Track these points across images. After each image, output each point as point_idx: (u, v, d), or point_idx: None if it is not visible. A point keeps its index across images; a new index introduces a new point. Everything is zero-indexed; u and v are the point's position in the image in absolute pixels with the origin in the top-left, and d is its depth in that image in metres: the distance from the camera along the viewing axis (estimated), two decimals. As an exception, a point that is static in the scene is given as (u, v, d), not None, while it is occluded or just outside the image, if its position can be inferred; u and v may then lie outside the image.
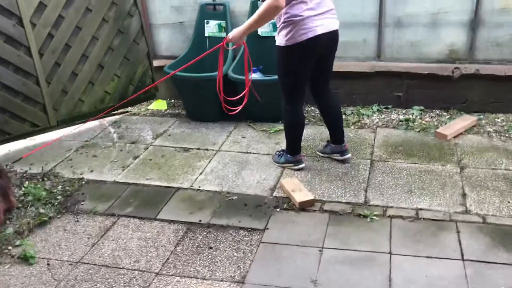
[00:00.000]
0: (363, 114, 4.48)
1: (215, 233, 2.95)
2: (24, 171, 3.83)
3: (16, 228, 3.06)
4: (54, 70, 4.35)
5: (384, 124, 4.30)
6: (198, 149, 4.06)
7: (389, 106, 4.58)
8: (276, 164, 3.68)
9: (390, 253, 2.68)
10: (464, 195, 3.18)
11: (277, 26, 3.16)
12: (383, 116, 4.46)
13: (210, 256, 2.75)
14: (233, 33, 3.23)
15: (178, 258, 2.75)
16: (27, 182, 3.62)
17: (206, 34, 4.79)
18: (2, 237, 2.95)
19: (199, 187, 3.47)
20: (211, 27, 4.75)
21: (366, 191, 3.28)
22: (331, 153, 3.69)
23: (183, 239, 2.92)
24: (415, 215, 2.99)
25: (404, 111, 4.51)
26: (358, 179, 3.43)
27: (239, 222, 3.04)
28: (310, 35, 3.06)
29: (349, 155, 3.64)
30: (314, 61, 3.26)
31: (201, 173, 3.66)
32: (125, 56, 4.80)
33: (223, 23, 4.70)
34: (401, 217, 2.98)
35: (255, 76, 4.43)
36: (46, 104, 4.37)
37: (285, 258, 2.69)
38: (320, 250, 2.74)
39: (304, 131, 3.79)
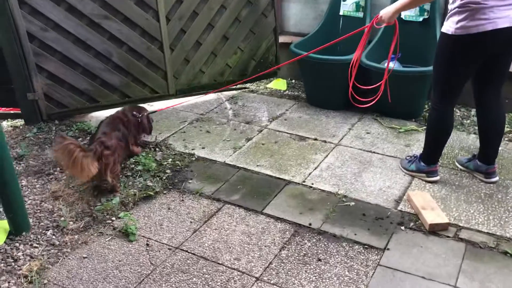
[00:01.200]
0: (516, 124, 3.76)
1: (325, 243, 2.60)
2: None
3: (122, 199, 2.98)
4: (178, 37, 4.24)
5: (542, 140, 3.56)
6: (315, 139, 3.70)
7: (551, 119, 3.80)
8: (404, 171, 3.19)
9: (546, 313, 2.12)
10: None
11: (449, 10, 2.62)
12: (541, 129, 3.70)
13: (318, 270, 2.41)
14: (385, 11, 2.79)
15: (282, 264, 2.45)
16: (139, 150, 3.56)
17: (340, 13, 4.34)
18: (108, 206, 2.88)
19: (312, 184, 3.12)
20: (348, 6, 4.28)
21: (515, 223, 2.69)
22: (473, 170, 3.11)
23: (290, 242, 2.61)
24: None
25: None
26: (506, 205, 2.83)
27: (355, 234, 2.65)
28: (488, 27, 2.50)
29: (495, 179, 3.03)
30: (482, 59, 2.69)
31: (315, 168, 3.30)
32: (251, 29, 4.54)
33: (362, 1, 4.20)
34: (563, 266, 2.37)
35: (391, 65, 3.90)
36: (168, 71, 4.29)
37: (407, 291, 2.26)
38: (451, 290, 2.26)
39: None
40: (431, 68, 3.62)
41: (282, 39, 4.70)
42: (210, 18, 4.29)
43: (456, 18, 2.55)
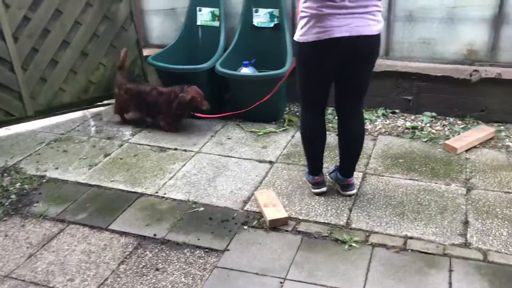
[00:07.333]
0: (365, 119, 3.98)
1: (167, 251, 2.57)
2: (-12, 164, 3.55)
3: (-46, 231, 2.77)
4: (31, 56, 4.04)
5: (387, 131, 3.80)
6: (176, 149, 3.68)
7: (397, 111, 4.08)
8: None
9: (363, 292, 2.24)
10: (466, 222, 2.69)
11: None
12: (388, 121, 3.96)
13: (153, 280, 2.37)
14: None
15: (118, 280, 2.38)
16: (-16, 177, 3.34)
17: (198, 23, 4.38)
18: None
19: (165, 194, 3.09)
20: (204, 15, 4.33)
21: (350, 210, 2.83)
22: (335, 181, 3.04)
23: (130, 256, 2.55)
24: (403, 244, 2.52)
25: (413, 117, 4.00)
26: (343, 195, 2.97)
27: (198, 239, 2.65)
28: (324, 37, 2.42)
29: (353, 192, 2.95)
30: (331, 69, 2.59)
31: (171, 178, 3.28)
32: (111, 43, 4.45)
33: (216, 11, 4.27)
34: (385, 246, 2.52)
35: (247, 70, 4.01)
36: (22, 92, 4.07)
37: (238, 289, 2.29)
38: (281, 282, 2.31)
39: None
40: (284, 70, 3.78)
41: (146, 52, 4.66)
42: (64, 34, 4.14)
43: (300, 24, 2.51)
